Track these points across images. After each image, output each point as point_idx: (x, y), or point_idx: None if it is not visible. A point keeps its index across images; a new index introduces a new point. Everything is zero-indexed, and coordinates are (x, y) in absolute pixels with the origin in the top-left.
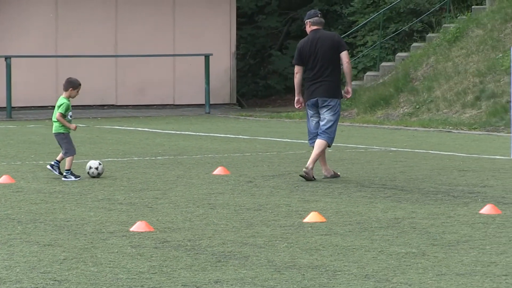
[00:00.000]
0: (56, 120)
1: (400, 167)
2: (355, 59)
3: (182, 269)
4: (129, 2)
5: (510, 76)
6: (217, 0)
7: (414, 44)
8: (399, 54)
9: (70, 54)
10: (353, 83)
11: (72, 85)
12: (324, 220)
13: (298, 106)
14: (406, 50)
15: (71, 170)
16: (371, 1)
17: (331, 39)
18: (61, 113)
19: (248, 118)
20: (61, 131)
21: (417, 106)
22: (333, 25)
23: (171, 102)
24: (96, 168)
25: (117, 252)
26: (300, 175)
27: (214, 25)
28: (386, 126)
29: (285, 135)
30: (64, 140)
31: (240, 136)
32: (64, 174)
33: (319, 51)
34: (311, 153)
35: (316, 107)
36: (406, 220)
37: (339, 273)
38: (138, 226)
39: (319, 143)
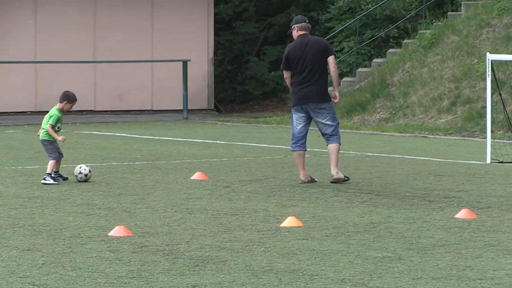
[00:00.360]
0: (43, 127)
1: (376, 172)
2: None
3: (160, 274)
4: (107, 9)
5: (485, 82)
6: (194, 6)
7: (390, 50)
8: (375, 60)
9: (49, 60)
10: (330, 88)
11: (68, 98)
12: (301, 224)
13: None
14: (382, 56)
15: (51, 174)
16: (348, 8)
17: (319, 44)
18: (51, 124)
19: (225, 123)
20: (46, 138)
21: (393, 112)
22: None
23: (149, 108)
24: (86, 175)
25: (95, 256)
26: (332, 182)
27: (192, 31)
28: (363, 132)
29: (263, 140)
30: (48, 146)
31: (218, 142)
32: (44, 176)
33: (307, 55)
34: (296, 160)
35: (304, 112)
36: (382, 224)
37: (316, 277)
38: (117, 231)
39: (332, 148)
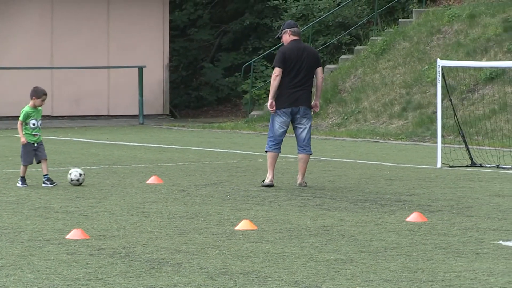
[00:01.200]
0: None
1: (329, 176)
2: None
3: (117, 276)
4: (64, 16)
5: (436, 88)
6: (150, 13)
7: (343, 56)
8: (328, 66)
9: (6, 66)
10: None
11: (35, 94)
12: (255, 228)
13: (273, 109)
14: (335, 62)
15: (24, 177)
16: (301, 15)
17: (314, 52)
18: (20, 120)
19: (180, 128)
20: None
21: (345, 117)
22: (263, 38)
23: (105, 113)
24: (77, 180)
25: (53, 259)
26: (266, 186)
27: (148, 38)
28: (315, 136)
29: (217, 145)
30: (21, 148)
31: (173, 146)
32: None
33: (305, 60)
34: (269, 160)
35: (290, 116)
36: (335, 227)
37: (270, 279)
38: (74, 234)
39: (306, 158)
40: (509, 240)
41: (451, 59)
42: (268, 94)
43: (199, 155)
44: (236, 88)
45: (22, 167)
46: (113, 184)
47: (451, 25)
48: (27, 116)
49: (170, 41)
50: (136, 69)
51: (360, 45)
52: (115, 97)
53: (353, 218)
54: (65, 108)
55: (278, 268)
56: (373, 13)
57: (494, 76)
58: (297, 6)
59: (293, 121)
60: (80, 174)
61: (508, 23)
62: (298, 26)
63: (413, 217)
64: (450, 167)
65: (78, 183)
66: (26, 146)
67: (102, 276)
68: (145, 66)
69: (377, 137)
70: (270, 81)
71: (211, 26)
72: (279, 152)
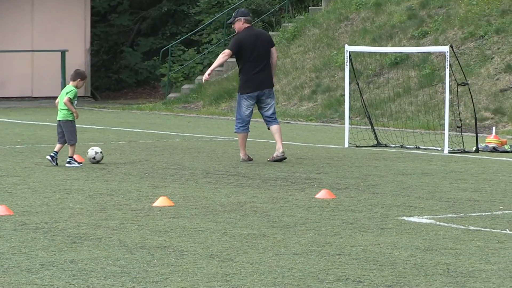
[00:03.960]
0: (63, 108)
1: None
2: (201, 56)
3: (39, 250)
4: None
5: (344, 72)
6: (72, 0)
7: None
8: None
9: None
10: (199, 77)
11: (81, 76)
12: (172, 204)
13: (206, 79)
14: None
15: (73, 157)
16: (216, 2)
17: (266, 35)
18: (69, 98)
19: (101, 110)
20: (70, 118)
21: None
22: (180, 24)
23: (29, 95)
24: (94, 158)
25: None
26: (279, 159)
27: (70, 23)
28: (230, 118)
29: (136, 126)
30: (71, 128)
31: (94, 127)
32: (68, 160)
33: (261, 45)
34: (240, 140)
35: (255, 99)
36: (248, 204)
37: (186, 253)
38: None
39: (278, 128)
40: (412, 216)
41: (358, 44)
42: (185, 78)
43: (119, 135)
44: (155, 72)
45: (72, 146)
46: (36, 162)
47: (359, 12)
48: (75, 96)
49: (92, 26)
50: (59, 53)
51: (273, 31)
52: (38, 80)
53: (265, 195)
54: None
55: (194, 242)
56: (284, 0)
57: (399, 61)
58: None
59: (258, 102)
60: (96, 152)
61: (411, 11)
62: (250, 14)
63: (322, 194)
64: (357, 147)
65: (94, 160)
66: (75, 125)
67: (25, 250)
68: (67, 50)
69: (288, 118)
70: (186, 65)
71: (130, 12)
72: (248, 132)
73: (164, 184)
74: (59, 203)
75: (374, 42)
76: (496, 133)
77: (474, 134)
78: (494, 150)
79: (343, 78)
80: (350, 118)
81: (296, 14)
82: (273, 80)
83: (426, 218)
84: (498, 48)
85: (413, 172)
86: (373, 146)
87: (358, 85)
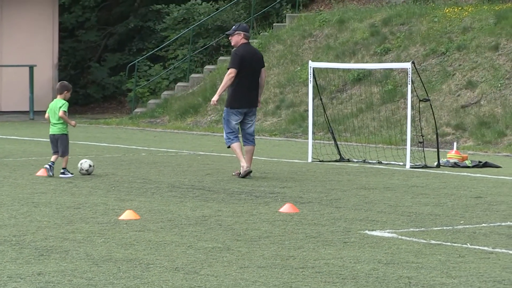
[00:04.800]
0: (56, 122)
1: (208, 169)
2: (167, 71)
3: (7, 262)
4: None
5: (308, 88)
6: (40, 15)
7: (221, 57)
8: (207, 66)
9: None
10: (165, 93)
11: (67, 88)
12: (138, 217)
13: (214, 104)
14: (214, 63)
15: (66, 168)
16: (182, 18)
17: (260, 55)
18: (64, 111)
19: None
20: (65, 132)
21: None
22: (146, 40)
23: None
24: (87, 170)
25: None
26: (244, 176)
27: (38, 39)
28: (195, 132)
29: (103, 140)
30: (65, 141)
31: None
32: (62, 171)
33: (255, 63)
34: (236, 150)
35: (243, 114)
36: (213, 217)
37: (152, 266)
38: None
39: (252, 149)
40: (374, 230)
41: (321, 61)
42: (151, 93)
43: (86, 149)
44: (121, 87)
45: (66, 158)
46: (4, 176)
47: (322, 29)
48: (67, 107)
49: (60, 42)
50: (27, 68)
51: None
52: (6, 94)
53: (230, 209)
54: None
55: (159, 255)
56: (249, 17)
57: (362, 77)
58: (178, 10)
59: (243, 118)
60: (90, 166)
61: (374, 28)
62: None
63: (286, 208)
64: (320, 161)
65: (87, 172)
66: (68, 137)
67: None
68: (35, 65)
69: None
70: (152, 80)
71: (98, 28)
72: (239, 141)
73: (130, 197)
74: (27, 216)
75: (337, 58)
76: (457, 148)
77: (436, 150)
78: (455, 165)
79: (307, 94)
80: (313, 133)
81: (261, 31)
82: (259, 99)
83: (388, 232)
84: (460, 65)
85: (376, 186)
86: (336, 161)
87: (321, 101)
